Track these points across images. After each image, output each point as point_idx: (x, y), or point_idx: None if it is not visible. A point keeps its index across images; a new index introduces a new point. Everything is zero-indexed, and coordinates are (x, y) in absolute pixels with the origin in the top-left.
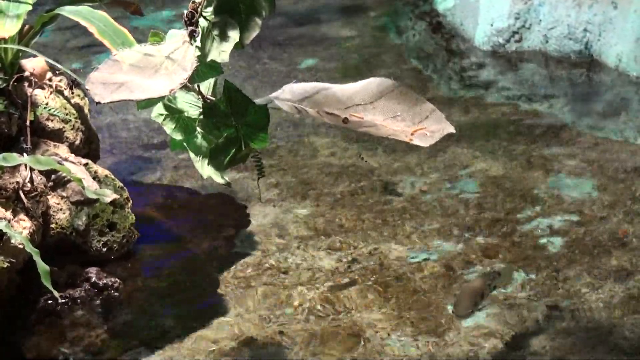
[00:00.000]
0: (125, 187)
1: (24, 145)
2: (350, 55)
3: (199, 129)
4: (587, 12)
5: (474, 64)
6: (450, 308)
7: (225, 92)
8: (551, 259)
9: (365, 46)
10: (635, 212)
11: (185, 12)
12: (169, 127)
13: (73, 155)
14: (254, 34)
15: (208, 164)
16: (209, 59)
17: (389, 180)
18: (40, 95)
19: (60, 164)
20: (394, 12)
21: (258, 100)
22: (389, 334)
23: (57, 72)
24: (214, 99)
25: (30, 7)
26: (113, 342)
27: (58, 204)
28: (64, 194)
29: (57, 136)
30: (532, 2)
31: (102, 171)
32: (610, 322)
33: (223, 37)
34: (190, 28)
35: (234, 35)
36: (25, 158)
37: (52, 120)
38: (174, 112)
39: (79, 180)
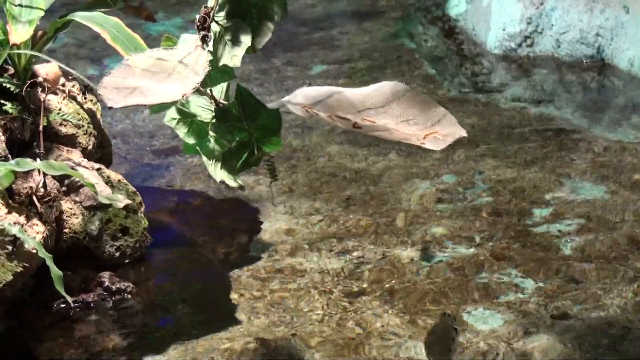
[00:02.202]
0: (137, 192)
1: (37, 151)
2: (362, 60)
3: (211, 133)
4: (599, 17)
5: (486, 68)
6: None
7: (238, 96)
8: (563, 262)
9: (377, 51)
10: None
11: (198, 16)
12: (181, 131)
13: (86, 160)
14: (266, 38)
15: (221, 168)
16: (221, 64)
17: (401, 185)
18: (53, 100)
19: (73, 169)
20: (407, 17)
21: (270, 104)
22: (401, 337)
23: (70, 77)
24: (226, 103)
25: (42, 13)
26: (126, 346)
27: (71, 208)
28: (77, 198)
29: (70, 141)
30: (544, 7)
31: (114, 176)
32: (621, 327)
33: (235, 41)
34: (202, 33)
35: (246, 39)
36: (38, 163)
37: (65, 126)
38: (186, 116)
39: (92, 186)
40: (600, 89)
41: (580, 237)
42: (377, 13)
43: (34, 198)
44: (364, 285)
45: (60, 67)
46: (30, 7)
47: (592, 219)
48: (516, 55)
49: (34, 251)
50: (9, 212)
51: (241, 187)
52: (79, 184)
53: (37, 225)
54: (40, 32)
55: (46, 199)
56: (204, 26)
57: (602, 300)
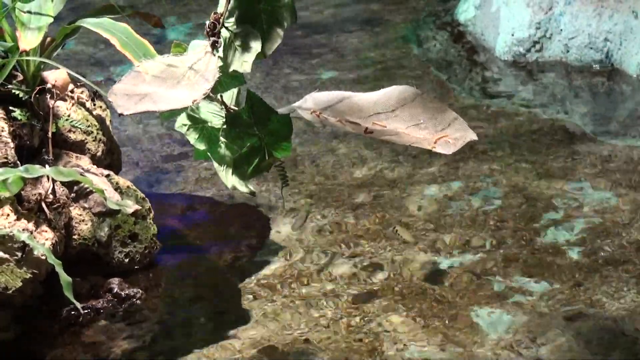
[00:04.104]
0: (147, 198)
1: (46, 157)
2: (371, 65)
3: (222, 139)
4: (608, 22)
5: (495, 73)
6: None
7: (248, 101)
8: (572, 267)
9: (386, 57)
10: None
11: (207, 22)
12: (192, 137)
13: (95, 166)
14: (275, 44)
15: (232, 174)
16: (231, 69)
17: (410, 190)
18: (62, 107)
19: (82, 175)
20: (416, 22)
21: (280, 110)
22: (411, 343)
23: (79, 84)
24: (237, 108)
25: (51, 20)
26: (135, 352)
27: (80, 215)
28: (86, 205)
29: (79, 148)
30: (552, 12)
31: (123, 182)
32: (631, 331)
33: (245, 47)
34: (212, 39)
35: (256, 45)
36: (47, 169)
37: (74, 132)
38: (197, 122)
39: (101, 192)
40: (609, 93)
41: (589, 242)
42: (386, 19)
43: (43, 204)
44: (374, 291)
45: (69, 74)
46: (39, 13)
47: (602, 223)
48: (525, 60)
49: (43, 258)
50: (18, 219)
51: (252, 193)
52: (88, 190)
53: (46, 231)
54: (49, 39)
55: (55, 206)
56: (213, 32)
57: (611, 304)
